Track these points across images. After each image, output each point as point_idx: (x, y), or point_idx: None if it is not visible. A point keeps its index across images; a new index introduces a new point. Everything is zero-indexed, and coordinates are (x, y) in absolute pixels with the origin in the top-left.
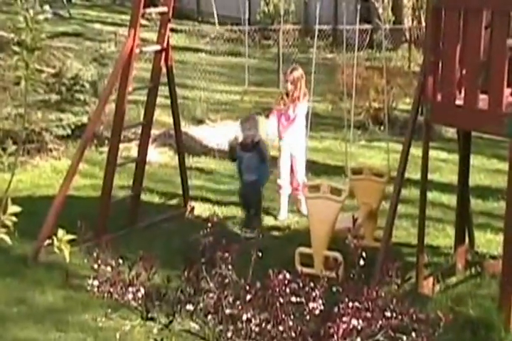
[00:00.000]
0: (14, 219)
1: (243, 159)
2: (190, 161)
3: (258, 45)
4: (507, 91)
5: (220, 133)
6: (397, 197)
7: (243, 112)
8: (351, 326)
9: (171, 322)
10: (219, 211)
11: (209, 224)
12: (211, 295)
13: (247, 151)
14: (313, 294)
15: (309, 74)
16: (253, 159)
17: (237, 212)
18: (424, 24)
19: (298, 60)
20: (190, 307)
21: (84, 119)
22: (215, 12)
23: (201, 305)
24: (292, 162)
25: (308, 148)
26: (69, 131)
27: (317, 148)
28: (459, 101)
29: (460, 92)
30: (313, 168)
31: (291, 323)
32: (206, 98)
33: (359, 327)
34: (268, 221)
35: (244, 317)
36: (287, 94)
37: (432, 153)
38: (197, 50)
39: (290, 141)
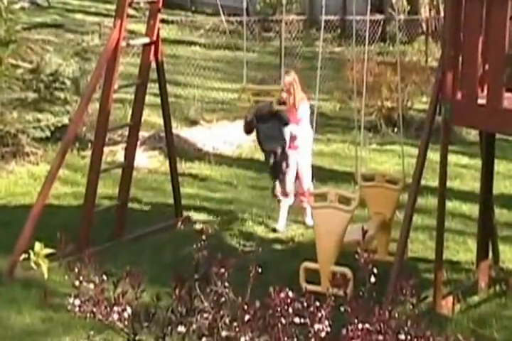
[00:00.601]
0: None
1: (261, 129)
2: (183, 167)
3: (258, 38)
4: None
5: (215, 135)
6: (412, 207)
7: (241, 112)
8: None
9: None
10: (214, 222)
11: (203, 236)
12: (205, 315)
13: (264, 122)
14: (319, 314)
15: (315, 69)
16: (272, 128)
17: (235, 222)
18: (442, 14)
19: (302, 54)
20: (182, 328)
21: (65, 120)
22: (210, 1)
23: (194, 326)
24: (297, 169)
25: (314, 152)
26: (48, 133)
27: (323, 152)
28: (481, 100)
29: (482, 90)
30: (320, 174)
31: None
32: (200, 96)
33: None
34: (268, 233)
35: (243, 340)
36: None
37: (452, 157)
38: (190, 43)
39: None
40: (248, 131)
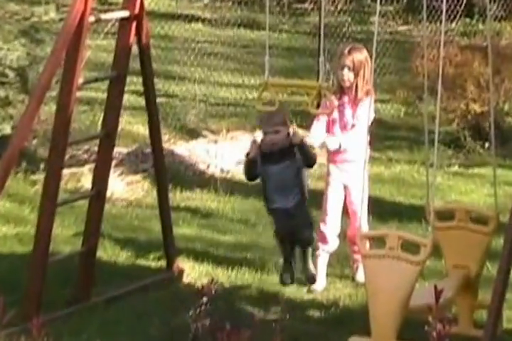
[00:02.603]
0: None
1: (270, 175)
2: (178, 197)
3: (288, 12)
4: None
5: (225, 152)
6: (509, 258)
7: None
8: None
9: None
10: (222, 276)
11: (205, 298)
12: None
13: (275, 163)
14: None
15: (370, 57)
16: (287, 171)
17: (253, 277)
18: None
19: (351, 36)
20: None
21: (7, 129)
22: None
23: None
24: (346, 198)
25: (369, 176)
26: None
27: (382, 176)
28: None
29: None
30: (376, 208)
31: None
32: (204, 96)
33: None
34: (301, 293)
35: None
36: (341, 89)
37: None
38: (189, 19)
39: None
40: (251, 175)
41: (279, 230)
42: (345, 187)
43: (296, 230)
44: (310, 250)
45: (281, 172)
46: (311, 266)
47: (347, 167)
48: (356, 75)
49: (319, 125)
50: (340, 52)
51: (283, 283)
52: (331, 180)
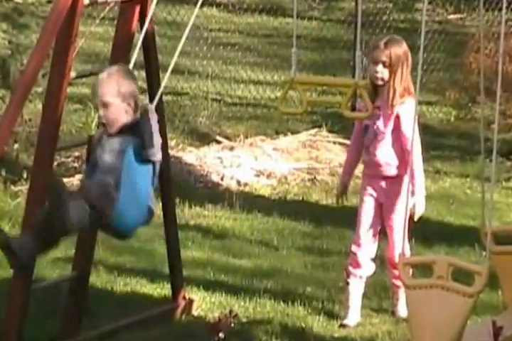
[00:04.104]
0: None
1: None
2: (187, 214)
3: None
4: None
5: (243, 160)
6: None
7: (283, 123)
8: None
9: None
10: (238, 308)
11: (221, 334)
12: None
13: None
14: None
15: (415, 50)
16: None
17: (273, 309)
18: None
19: (393, 25)
20: None
21: None
22: None
23: None
24: (382, 217)
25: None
26: None
27: (428, 191)
28: None
29: None
30: (422, 229)
31: None
32: (218, 94)
33: None
34: (332, 329)
35: None
36: (374, 88)
37: None
38: (202, 3)
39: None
40: None
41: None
42: (382, 205)
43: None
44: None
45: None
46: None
47: (384, 182)
48: (392, 73)
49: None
50: (375, 45)
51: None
52: (365, 196)
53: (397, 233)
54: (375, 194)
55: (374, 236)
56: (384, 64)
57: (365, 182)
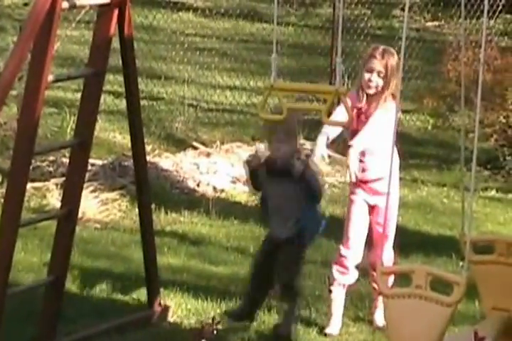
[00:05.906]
0: None
1: (270, 193)
2: (163, 220)
3: (296, 1)
4: None
5: (219, 167)
6: None
7: (259, 129)
8: None
9: None
10: (218, 316)
11: None
12: None
13: (276, 181)
14: None
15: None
16: (292, 189)
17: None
18: None
19: (371, 32)
20: None
21: None
22: None
23: None
24: (370, 218)
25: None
26: None
27: (406, 200)
28: None
29: None
30: (398, 238)
31: None
32: (194, 99)
33: None
34: (307, 337)
35: None
36: (363, 95)
37: None
38: (178, 8)
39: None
40: (254, 185)
41: (259, 258)
42: (370, 207)
43: (278, 268)
44: (294, 304)
45: (281, 192)
46: (288, 323)
47: (372, 185)
48: (385, 83)
49: (340, 109)
50: (371, 54)
51: (230, 318)
52: (354, 198)
53: (387, 240)
54: (363, 195)
55: (363, 239)
56: (379, 73)
57: (353, 186)
